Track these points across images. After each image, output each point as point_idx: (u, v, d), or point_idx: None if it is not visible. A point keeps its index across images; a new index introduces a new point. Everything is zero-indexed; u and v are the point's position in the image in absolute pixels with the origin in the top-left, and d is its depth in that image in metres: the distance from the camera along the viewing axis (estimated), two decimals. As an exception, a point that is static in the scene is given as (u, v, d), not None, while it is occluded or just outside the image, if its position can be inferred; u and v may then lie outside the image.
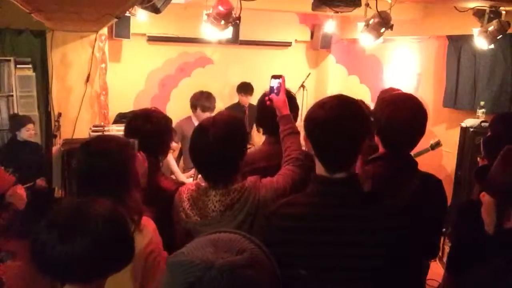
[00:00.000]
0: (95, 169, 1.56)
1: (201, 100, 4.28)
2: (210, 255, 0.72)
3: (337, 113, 1.35)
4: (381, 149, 1.85)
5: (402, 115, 1.75)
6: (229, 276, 0.70)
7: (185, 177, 3.71)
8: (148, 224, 1.61)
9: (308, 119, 1.41)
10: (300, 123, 1.85)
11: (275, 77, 2.01)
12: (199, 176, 2.95)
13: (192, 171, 3.24)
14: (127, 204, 1.57)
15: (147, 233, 1.57)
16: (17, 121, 4.51)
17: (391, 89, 3.72)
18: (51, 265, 1.10)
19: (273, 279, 0.77)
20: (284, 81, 1.98)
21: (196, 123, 4.21)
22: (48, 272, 1.12)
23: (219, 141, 1.67)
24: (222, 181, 1.72)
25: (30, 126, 4.53)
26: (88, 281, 1.14)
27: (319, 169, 1.42)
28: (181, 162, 4.49)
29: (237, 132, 1.76)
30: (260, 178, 1.73)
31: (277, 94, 1.97)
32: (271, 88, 2.00)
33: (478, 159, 2.01)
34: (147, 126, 2.04)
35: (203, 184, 1.78)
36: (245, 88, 5.55)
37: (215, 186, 1.72)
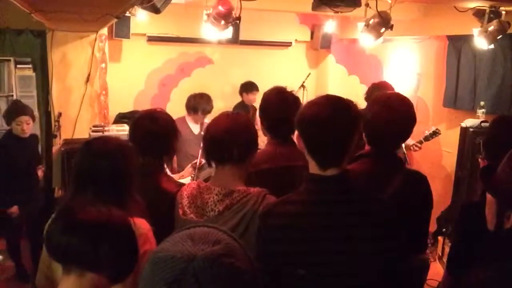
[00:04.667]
0: (95, 169, 1.58)
1: (202, 103, 4.26)
2: (190, 248, 0.76)
3: (327, 110, 1.39)
4: (366, 146, 1.87)
5: (386, 115, 1.77)
6: (212, 265, 0.74)
7: (177, 177, 3.70)
8: (143, 224, 1.61)
9: (300, 117, 1.45)
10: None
11: None
12: (201, 175, 2.94)
13: (187, 171, 3.23)
14: (127, 204, 1.57)
15: (142, 233, 1.56)
16: (9, 113, 3.80)
17: (383, 83, 3.74)
18: (53, 250, 1.22)
19: (249, 265, 0.80)
20: None
21: (190, 124, 4.26)
22: (51, 255, 1.23)
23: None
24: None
25: (22, 119, 3.70)
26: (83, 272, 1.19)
27: (312, 167, 1.44)
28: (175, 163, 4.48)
29: None
30: (268, 192, 1.70)
31: None
32: None
33: (479, 159, 2.02)
34: (153, 126, 2.05)
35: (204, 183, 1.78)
36: (249, 87, 5.55)
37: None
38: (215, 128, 1.73)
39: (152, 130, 2.03)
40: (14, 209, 3.74)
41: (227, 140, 1.67)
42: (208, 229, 0.83)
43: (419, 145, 4.18)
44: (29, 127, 3.76)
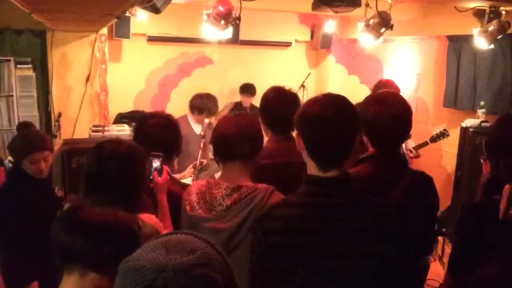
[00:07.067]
0: (106, 172, 1.59)
1: (209, 105, 4.20)
2: (162, 258, 0.72)
3: (329, 109, 1.36)
4: (370, 149, 1.86)
5: (388, 113, 1.76)
6: (182, 276, 0.70)
7: (178, 178, 3.70)
8: (151, 221, 1.63)
9: (300, 116, 1.42)
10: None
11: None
12: (201, 176, 2.94)
13: (188, 172, 3.23)
14: (136, 207, 1.58)
15: (150, 228, 1.58)
16: (20, 147, 2.52)
17: (389, 82, 3.73)
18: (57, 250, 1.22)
19: (227, 276, 0.77)
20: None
21: (192, 124, 4.25)
22: (55, 254, 1.24)
23: None
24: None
25: (40, 155, 2.47)
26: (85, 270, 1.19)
27: (311, 168, 1.41)
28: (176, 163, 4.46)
29: None
30: (275, 189, 1.70)
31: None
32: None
33: (481, 159, 2.02)
34: (165, 121, 2.10)
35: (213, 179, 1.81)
36: (249, 89, 5.61)
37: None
38: (225, 126, 1.75)
39: (164, 124, 2.08)
40: (34, 286, 2.49)
41: (238, 137, 1.70)
42: (186, 236, 0.79)
43: (415, 152, 4.03)
44: (48, 164, 2.55)
